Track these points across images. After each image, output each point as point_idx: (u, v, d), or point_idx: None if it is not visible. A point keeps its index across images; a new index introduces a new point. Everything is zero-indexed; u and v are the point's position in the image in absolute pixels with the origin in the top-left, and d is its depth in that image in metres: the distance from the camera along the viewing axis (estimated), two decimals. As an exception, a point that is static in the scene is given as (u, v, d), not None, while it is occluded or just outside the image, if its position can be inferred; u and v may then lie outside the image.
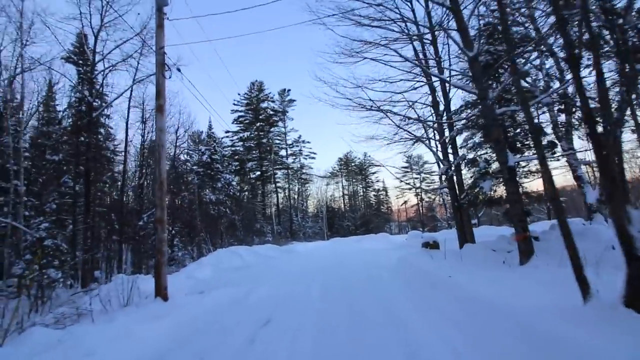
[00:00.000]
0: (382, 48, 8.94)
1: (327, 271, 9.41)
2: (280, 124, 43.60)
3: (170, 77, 7.07)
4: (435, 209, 56.32)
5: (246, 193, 39.72)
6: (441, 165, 9.06)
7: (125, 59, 15.86)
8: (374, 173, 58.37)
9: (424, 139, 9.40)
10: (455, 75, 7.94)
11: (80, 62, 16.14)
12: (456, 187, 8.85)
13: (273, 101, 42.43)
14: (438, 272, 5.89)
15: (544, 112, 8.12)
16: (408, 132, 9.36)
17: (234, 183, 31.58)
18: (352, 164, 57.66)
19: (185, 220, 26.81)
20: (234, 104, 40.83)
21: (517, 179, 6.69)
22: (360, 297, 5.54)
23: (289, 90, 43.75)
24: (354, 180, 57.63)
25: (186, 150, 27.12)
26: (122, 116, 21.80)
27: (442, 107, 9.14)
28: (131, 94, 19.15)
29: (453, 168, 8.74)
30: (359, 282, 7.07)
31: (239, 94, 41.18)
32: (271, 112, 42.34)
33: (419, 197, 59.10)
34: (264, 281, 8.79)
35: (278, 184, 44.09)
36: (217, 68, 63.75)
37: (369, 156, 49.11)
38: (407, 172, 59.46)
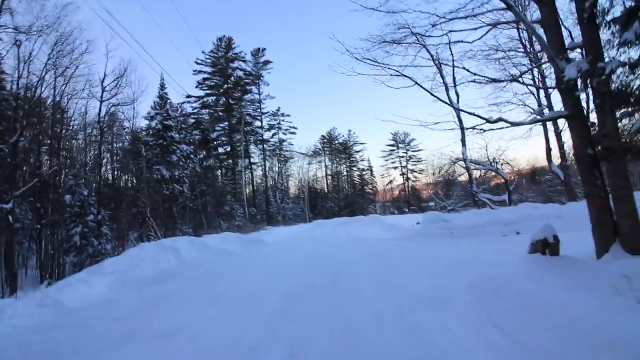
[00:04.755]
0: None
1: (307, 301, 4.44)
2: (254, 89, 37.45)
3: None
4: (419, 191, 52.76)
5: (216, 170, 33.97)
6: (560, 69, 4.10)
7: None
8: (358, 151, 54.14)
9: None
10: None
11: None
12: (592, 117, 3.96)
13: (244, 61, 36.09)
14: None
15: None
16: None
17: (193, 157, 25.78)
18: (336, 142, 52.84)
19: (127, 202, 21.12)
20: (197, 63, 34.22)
21: None
22: None
23: (263, 49, 37.41)
24: (337, 160, 52.98)
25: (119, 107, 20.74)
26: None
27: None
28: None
29: (595, 73, 3.80)
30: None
31: (203, 52, 34.58)
32: (243, 75, 36.07)
33: (404, 175, 55.43)
34: (172, 324, 3.77)
35: (253, 161, 38.47)
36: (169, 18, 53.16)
37: (354, 133, 44.05)
38: (393, 150, 55.32)
